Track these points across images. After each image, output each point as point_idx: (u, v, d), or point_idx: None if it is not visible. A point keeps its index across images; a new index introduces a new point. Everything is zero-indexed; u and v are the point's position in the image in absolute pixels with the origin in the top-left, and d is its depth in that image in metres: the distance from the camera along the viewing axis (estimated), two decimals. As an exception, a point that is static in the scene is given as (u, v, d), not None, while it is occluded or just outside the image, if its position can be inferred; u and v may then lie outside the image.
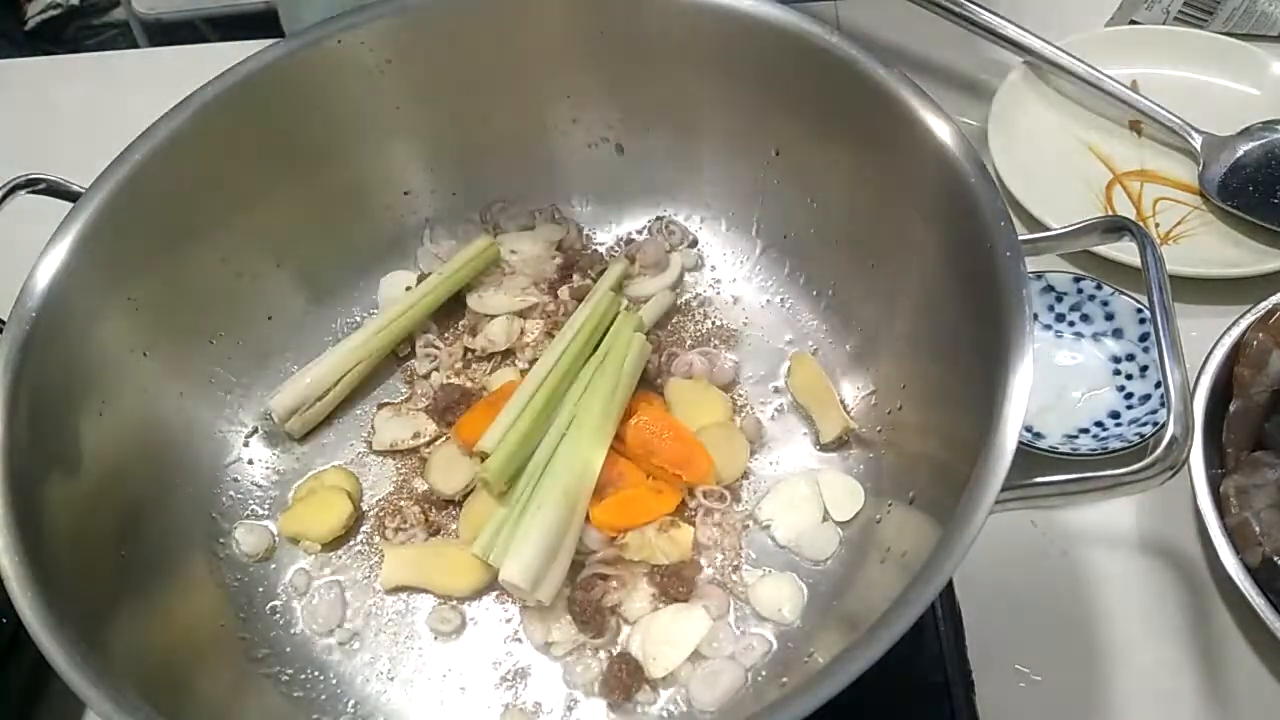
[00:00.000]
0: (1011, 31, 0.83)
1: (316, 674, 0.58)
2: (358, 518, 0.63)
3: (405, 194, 0.73)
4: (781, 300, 0.70)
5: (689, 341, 0.69)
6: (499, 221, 0.74)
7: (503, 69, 0.69)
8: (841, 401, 0.65)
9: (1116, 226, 0.53)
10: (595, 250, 0.74)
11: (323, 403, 0.66)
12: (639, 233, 0.74)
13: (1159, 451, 0.45)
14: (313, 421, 0.67)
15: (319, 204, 0.69)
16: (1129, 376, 0.69)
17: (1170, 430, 0.45)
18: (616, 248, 0.74)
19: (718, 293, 0.72)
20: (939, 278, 0.58)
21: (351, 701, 0.57)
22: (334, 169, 0.69)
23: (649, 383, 0.66)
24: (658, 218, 0.74)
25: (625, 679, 0.55)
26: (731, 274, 0.72)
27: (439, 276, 0.70)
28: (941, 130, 0.55)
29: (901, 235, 0.60)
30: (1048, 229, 0.75)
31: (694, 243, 0.73)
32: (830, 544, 0.60)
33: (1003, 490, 0.44)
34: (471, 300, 0.71)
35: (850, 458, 0.64)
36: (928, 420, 0.59)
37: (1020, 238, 0.50)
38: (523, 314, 0.70)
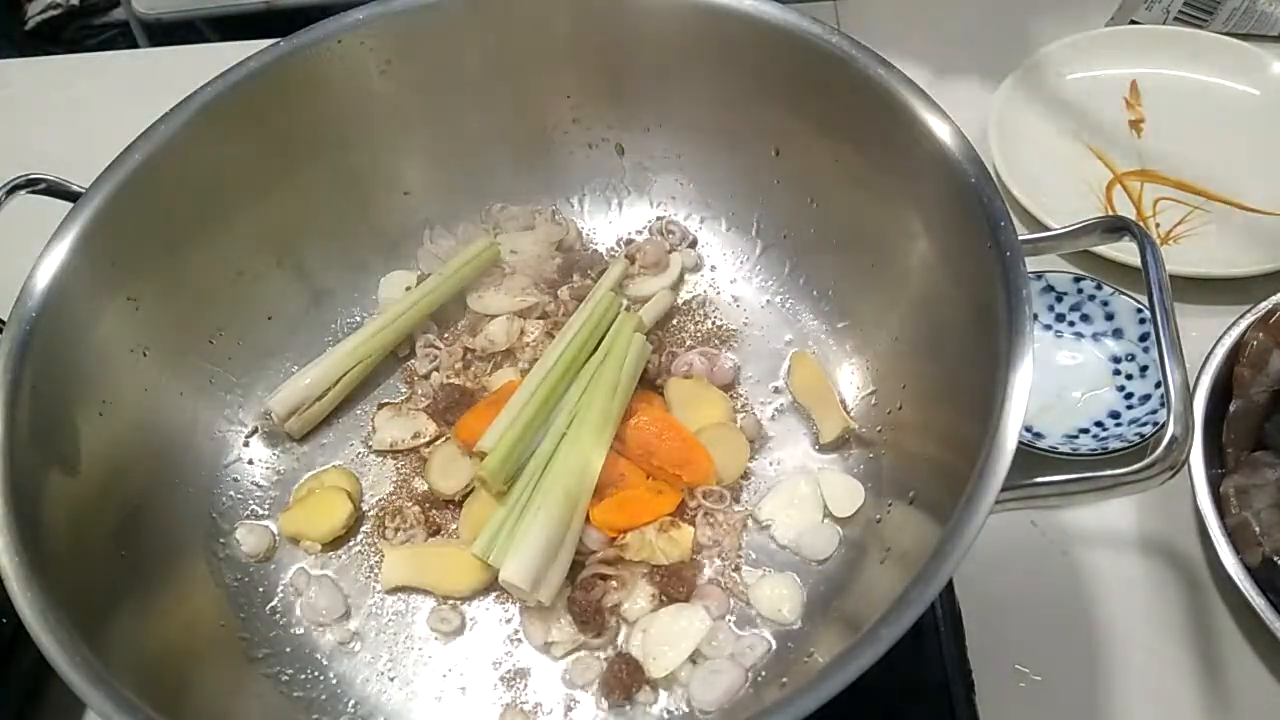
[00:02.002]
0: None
1: (316, 674, 0.58)
2: (358, 518, 0.63)
3: (405, 194, 0.73)
4: (781, 300, 0.70)
5: (689, 341, 0.69)
6: (499, 221, 0.74)
7: (503, 70, 0.69)
8: (841, 401, 0.65)
9: (1117, 227, 0.52)
10: (595, 250, 0.74)
11: (322, 403, 0.66)
12: (639, 233, 0.74)
13: (1159, 452, 0.45)
14: (312, 422, 0.67)
15: (319, 204, 0.69)
16: (1129, 376, 0.69)
17: (1170, 430, 0.45)
18: (616, 248, 0.74)
19: (718, 293, 0.72)
20: (939, 278, 0.58)
21: (351, 701, 0.57)
22: (334, 169, 0.69)
23: (649, 383, 0.66)
24: (658, 218, 0.74)
25: (625, 679, 0.55)
26: (731, 274, 0.72)
27: (439, 277, 0.70)
28: (941, 130, 0.55)
29: (901, 235, 0.60)
30: (1048, 229, 0.75)
31: (694, 243, 0.73)
32: (830, 544, 0.60)
33: (1003, 490, 0.44)
34: (471, 300, 0.71)
35: (850, 458, 0.64)
36: (928, 420, 0.59)
37: (1020, 238, 0.50)
38: (523, 314, 0.70)
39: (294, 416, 0.65)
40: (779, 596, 0.58)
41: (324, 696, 0.57)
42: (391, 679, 0.58)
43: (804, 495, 0.62)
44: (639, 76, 0.69)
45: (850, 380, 0.66)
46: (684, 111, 0.69)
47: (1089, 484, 0.46)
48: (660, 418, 0.63)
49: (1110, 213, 0.79)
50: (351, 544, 0.63)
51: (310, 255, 0.70)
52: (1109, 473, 0.45)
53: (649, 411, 0.64)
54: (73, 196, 0.59)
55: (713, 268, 0.73)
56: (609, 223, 0.75)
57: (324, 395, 0.66)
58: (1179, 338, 0.48)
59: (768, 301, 0.71)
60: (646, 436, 0.62)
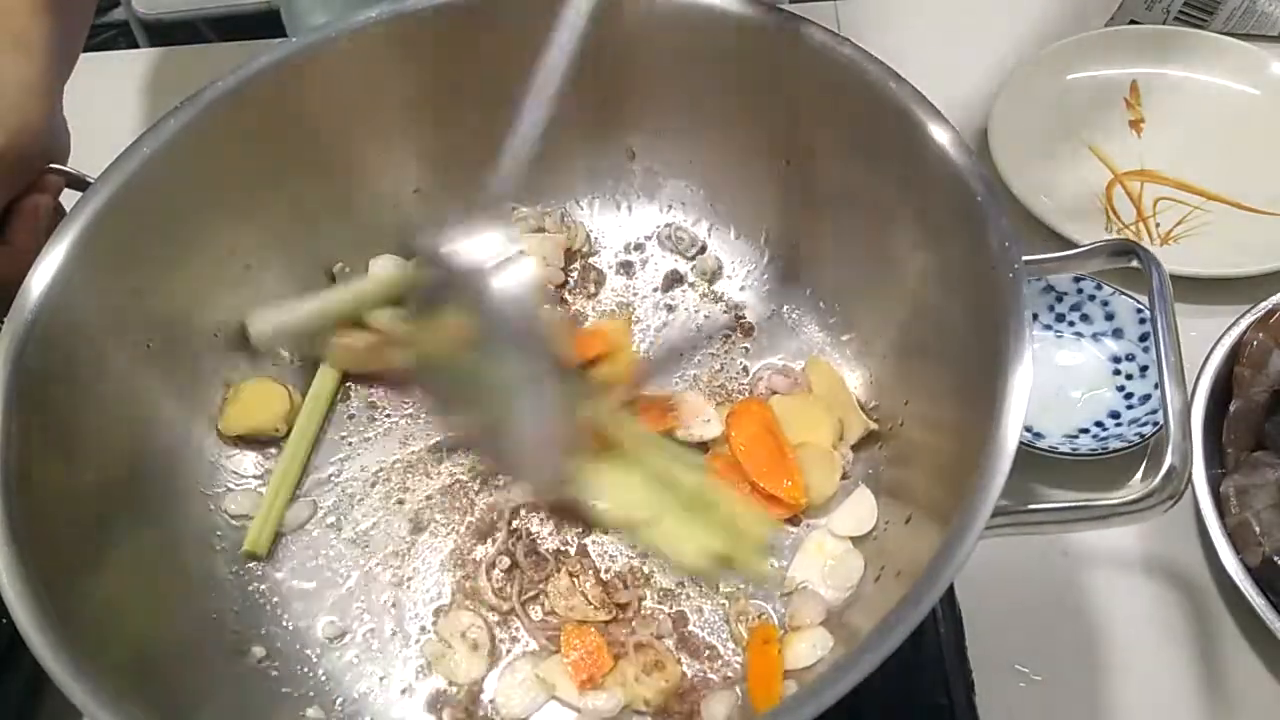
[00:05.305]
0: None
1: (306, 670, 0.58)
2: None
3: (415, 192, 0.72)
4: (787, 312, 0.70)
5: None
6: (509, 222, 0.74)
7: (511, 71, 0.68)
8: (859, 402, 0.64)
9: (1124, 250, 0.52)
10: (598, 270, 0.73)
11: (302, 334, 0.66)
12: (647, 238, 0.74)
13: (1157, 481, 0.44)
14: (279, 344, 0.67)
15: (328, 200, 0.68)
16: (1129, 376, 0.69)
17: (1168, 460, 0.44)
18: (624, 251, 0.73)
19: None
20: (944, 292, 0.57)
21: (339, 699, 0.57)
22: (342, 166, 0.68)
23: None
24: (666, 224, 0.74)
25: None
26: (739, 282, 0.71)
27: None
28: (945, 139, 0.54)
29: (909, 250, 0.60)
30: (1048, 228, 0.76)
31: (703, 249, 0.73)
32: (855, 573, 0.58)
33: (999, 516, 0.43)
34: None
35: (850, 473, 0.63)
36: (928, 437, 0.59)
37: (1025, 259, 0.50)
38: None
39: (271, 333, 0.65)
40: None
41: (312, 692, 0.57)
42: (381, 678, 0.58)
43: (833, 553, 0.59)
44: (650, 81, 0.68)
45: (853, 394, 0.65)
46: (694, 118, 0.69)
47: (1085, 513, 0.45)
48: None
49: (1110, 212, 0.80)
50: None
51: (317, 251, 0.70)
52: (1106, 502, 0.45)
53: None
54: (81, 185, 0.58)
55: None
56: (618, 226, 0.74)
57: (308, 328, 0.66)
58: (1181, 362, 0.47)
59: (773, 312, 0.70)
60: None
